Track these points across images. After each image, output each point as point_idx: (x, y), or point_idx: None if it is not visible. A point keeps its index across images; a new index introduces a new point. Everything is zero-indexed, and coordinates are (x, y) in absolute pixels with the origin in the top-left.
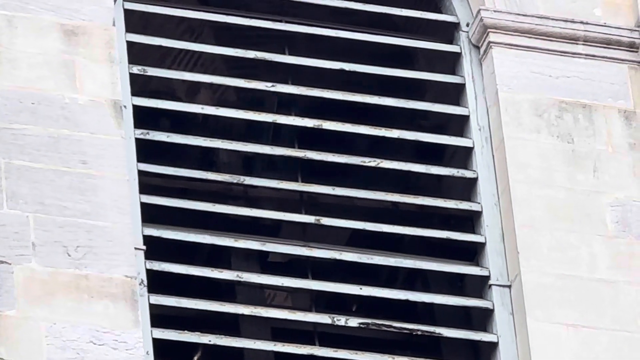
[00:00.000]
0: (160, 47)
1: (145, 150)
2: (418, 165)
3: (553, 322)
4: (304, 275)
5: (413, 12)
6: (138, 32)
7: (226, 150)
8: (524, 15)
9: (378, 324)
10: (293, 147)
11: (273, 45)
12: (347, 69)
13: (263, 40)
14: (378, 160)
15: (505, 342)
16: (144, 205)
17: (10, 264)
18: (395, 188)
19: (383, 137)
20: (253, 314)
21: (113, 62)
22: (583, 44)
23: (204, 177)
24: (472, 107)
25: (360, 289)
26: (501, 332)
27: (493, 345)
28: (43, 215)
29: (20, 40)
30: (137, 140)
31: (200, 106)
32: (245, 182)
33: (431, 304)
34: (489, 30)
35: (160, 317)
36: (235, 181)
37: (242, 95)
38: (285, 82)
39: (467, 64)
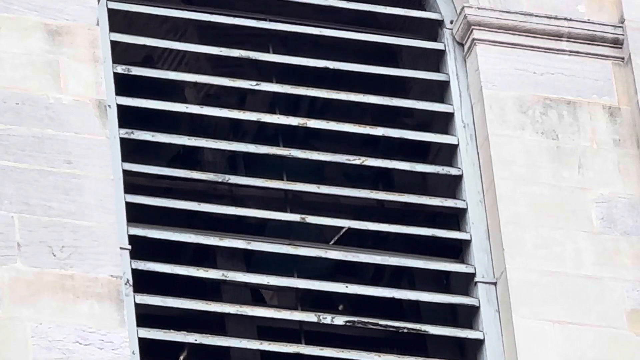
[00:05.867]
0: (144, 46)
1: (130, 150)
2: (403, 162)
3: (539, 318)
4: (289, 274)
5: (397, 10)
6: (122, 32)
7: (211, 149)
8: (507, 12)
9: (364, 322)
10: (278, 145)
11: (257, 43)
12: (331, 67)
13: (247, 38)
14: (363, 158)
15: (491, 339)
16: (129, 205)
17: None
18: (380, 186)
19: (368, 135)
20: (239, 312)
21: (97, 61)
22: (567, 41)
23: (188, 176)
24: (457, 104)
25: (346, 287)
26: (487, 329)
27: (479, 343)
28: (28, 216)
29: (4, 40)
30: (122, 140)
31: (185, 105)
32: (230, 181)
33: (417, 302)
34: (472, 27)
35: (146, 316)
36: (220, 180)
37: (226, 94)
38: (269, 80)
39: (452, 61)
